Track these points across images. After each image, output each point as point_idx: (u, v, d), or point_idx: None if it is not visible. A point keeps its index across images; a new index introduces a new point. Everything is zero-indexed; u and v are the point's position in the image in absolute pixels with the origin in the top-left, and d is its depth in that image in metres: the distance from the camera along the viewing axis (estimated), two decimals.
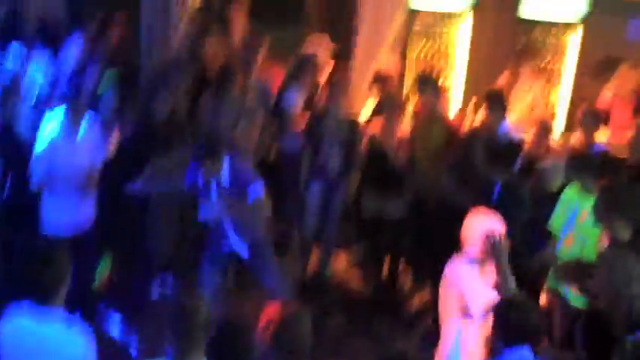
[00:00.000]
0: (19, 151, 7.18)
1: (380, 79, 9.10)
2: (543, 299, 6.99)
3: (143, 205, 8.06)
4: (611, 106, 8.71)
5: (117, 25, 9.48)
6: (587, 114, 8.15)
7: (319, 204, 8.54)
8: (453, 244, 5.86)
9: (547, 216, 6.86)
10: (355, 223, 9.04)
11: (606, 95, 8.81)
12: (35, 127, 7.34)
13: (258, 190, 6.67)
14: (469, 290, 5.46)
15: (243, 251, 6.94)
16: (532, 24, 9.67)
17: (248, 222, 6.78)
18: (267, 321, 4.59)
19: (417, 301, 8.48)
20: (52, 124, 7.08)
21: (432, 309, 8.07)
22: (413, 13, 10.04)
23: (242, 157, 7.48)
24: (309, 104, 8.89)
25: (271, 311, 4.68)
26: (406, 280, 8.76)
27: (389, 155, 8.36)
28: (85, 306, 4.69)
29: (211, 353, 4.24)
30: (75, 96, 7.19)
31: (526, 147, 7.93)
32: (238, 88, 8.50)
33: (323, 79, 9.03)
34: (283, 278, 7.02)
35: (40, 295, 4.46)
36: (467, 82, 9.93)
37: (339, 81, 8.54)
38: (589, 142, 7.97)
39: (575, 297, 6.41)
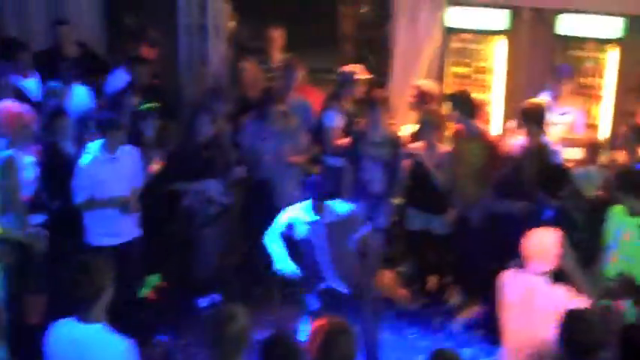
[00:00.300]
0: (64, 169, 7.29)
1: (418, 99, 9.10)
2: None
3: (190, 225, 8.15)
4: None
5: (155, 55, 9.59)
6: (630, 131, 8.08)
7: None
8: (499, 260, 5.86)
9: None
10: (400, 240, 9.04)
11: None
12: (78, 151, 7.47)
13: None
14: (557, 303, 5.47)
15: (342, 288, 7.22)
16: (570, 40, 9.62)
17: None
18: (314, 335, 4.60)
19: (465, 316, 8.44)
20: (92, 151, 7.32)
21: (480, 324, 8.11)
22: (450, 32, 10.03)
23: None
24: (350, 124, 8.94)
25: (317, 326, 4.67)
26: (453, 296, 8.73)
27: (431, 173, 8.36)
28: (127, 316, 4.71)
29: None
30: (114, 124, 7.39)
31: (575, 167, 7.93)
32: (280, 112, 8.57)
33: (363, 99, 9.04)
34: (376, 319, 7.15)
35: (83, 305, 4.51)
36: (505, 99, 9.89)
37: (378, 100, 8.55)
38: (633, 159, 7.90)
39: (628, 312, 6.35)
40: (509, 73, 9.87)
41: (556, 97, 8.94)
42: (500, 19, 9.83)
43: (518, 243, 5.80)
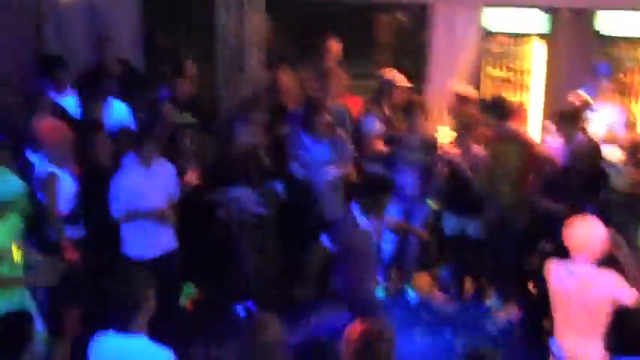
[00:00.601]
0: (102, 183, 7.37)
1: (455, 103, 9.07)
2: None
3: (226, 236, 8.19)
4: None
5: (194, 70, 9.64)
6: None
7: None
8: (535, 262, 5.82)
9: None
10: (437, 243, 9.01)
11: None
12: (116, 166, 7.57)
13: None
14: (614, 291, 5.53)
15: None
16: (609, 39, 9.52)
17: None
18: (351, 337, 4.58)
19: (501, 318, 8.38)
20: (128, 164, 7.40)
21: (516, 326, 8.04)
22: (488, 35, 9.98)
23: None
24: (388, 128, 8.93)
25: (355, 328, 4.66)
26: (489, 298, 8.69)
27: (468, 176, 8.32)
28: (165, 328, 4.74)
29: None
30: (150, 136, 7.45)
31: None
32: (325, 122, 8.58)
33: (401, 104, 9.03)
34: None
35: (124, 317, 4.54)
36: (545, 100, 9.81)
37: (416, 106, 8.54)
38: None
39: None
40: (547, 73, 9.79)
41: (595, 96, 8.84)
42: (538, 20, 9.76)
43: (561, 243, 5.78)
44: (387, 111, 9.06)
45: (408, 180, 8.47)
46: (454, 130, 8.89)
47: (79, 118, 8.65)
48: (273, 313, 4.74)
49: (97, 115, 8.59)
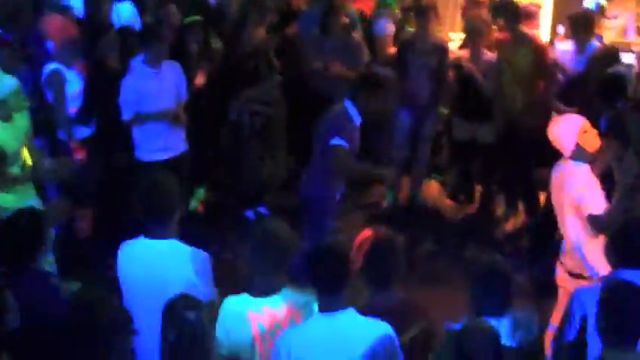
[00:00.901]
0: (110, 84, 7.33)
1: (466, 6, 8.95)
2: None
3: (236, 138, 8.17)
4: None
5: None
6: None
7: (409, 131, 8.54)
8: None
9: None
10: (446, 149, 8.99)
11: None
12: (124, 67, 7.51)
13: None
14: (583, 195, 5.45)
15: None
16: None
17: None
18: (360, 245, 4.61)
19: (510, 225, 8.42)
20: (136, 65, 7.31)
21: (525, 233, 8.07)
22: None
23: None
24: (398, 32, 8.85)
25: (364, 236, 4.68)
26: (499, 205, 8.68)
27: (477, 81, 8.23)
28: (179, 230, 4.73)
29: (305, 274, 4.26)
30: (157, 37, 7.34)
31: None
32: (343, 24, 8.47)
33: (411, 6, 8.92)
34: None
35: (158, 223, 4.57)
36: (554, 4, 9.66)
37: (427, 8, 8.41)
38: None
39: None
40: None
41: (607, 0, 8.72)
42: None
43: None
44: (398, 14, 8.94)
45: (419, 84, 8.37)
46: (464, 33, 8.79)
47: (86, 18, 8.55)
48: (283, 216, 4.74)
49: (105, 16, 8.49)
